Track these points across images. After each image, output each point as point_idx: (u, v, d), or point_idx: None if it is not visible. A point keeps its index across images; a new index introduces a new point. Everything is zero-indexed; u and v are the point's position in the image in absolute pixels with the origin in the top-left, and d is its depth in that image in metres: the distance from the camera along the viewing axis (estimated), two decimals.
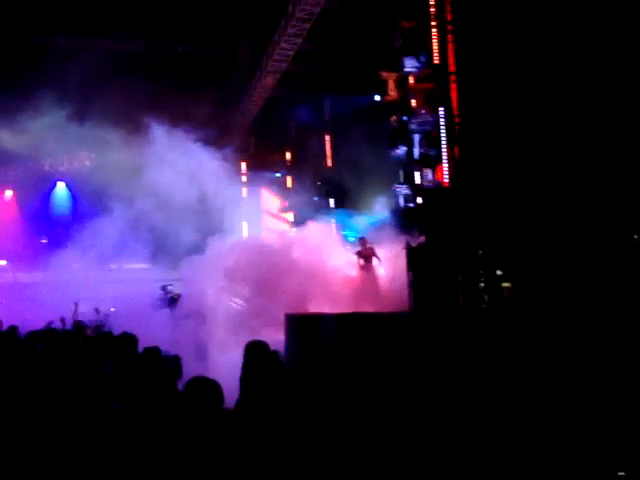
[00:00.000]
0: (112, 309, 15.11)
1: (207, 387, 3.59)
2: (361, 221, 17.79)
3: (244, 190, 20.37)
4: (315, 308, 11.64)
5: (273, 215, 22.03)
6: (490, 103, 12.28)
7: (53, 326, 10.23)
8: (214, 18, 19.82)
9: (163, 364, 3.94)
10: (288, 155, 23.39)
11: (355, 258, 14.30)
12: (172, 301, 15.85)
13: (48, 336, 6.49)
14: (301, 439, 2.59)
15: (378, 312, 11.05)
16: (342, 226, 18.98)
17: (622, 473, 3.06)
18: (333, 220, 19.61)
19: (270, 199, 22.27)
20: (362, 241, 14.49)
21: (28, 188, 21.18)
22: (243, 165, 22.46)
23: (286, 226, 20.55)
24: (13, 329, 8.53)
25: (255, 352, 3.79)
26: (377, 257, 14.08)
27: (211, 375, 3.42)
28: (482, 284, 11.72)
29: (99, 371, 4.77)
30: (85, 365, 4.89)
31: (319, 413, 2.99)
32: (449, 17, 14.04)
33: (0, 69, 17.95)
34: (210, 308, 13.41)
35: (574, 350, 6.12)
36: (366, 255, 14.18)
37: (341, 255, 14.91)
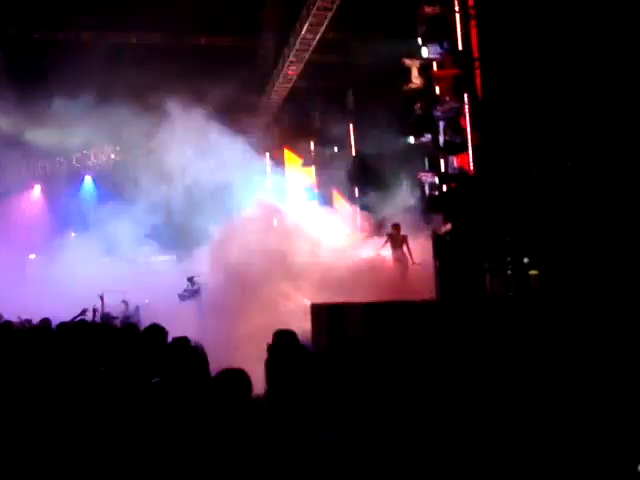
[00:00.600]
0: (146, 301, 15.22)
1: (236, 377, 3.62)
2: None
3: (269, 180, 20.42)
4: (339, 297, 11.60)
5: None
6: (515, 89, 12.13)
7: (83, 317, 10.36)
8: (236, 9, 19.81)
9: (194, 353, 3.96)
10: (312, 145, 23.35)
11: (384, 242, 14.10)
12: (198, 292, 15.98)
13: (79, 328, 6.59)
14: (330, 425, 2.60)
15: (405, 300, 11.01)
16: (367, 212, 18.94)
17: None
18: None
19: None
20: (395, 227, 14.27)
21: (56, 183, 21.47)
22: (267, 155, 22.50)
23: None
24: (46, 322, 8.66)
25: (283, 340, 3.80)
26: (408, 246, 13.92)
27: (240, 365, 3.43)
28: (509, 272, 11.62)
29: (130, 362, 4.82)
30: (115, 357, 4.94)
31: (346, 400, 2.99)
32: (471, 2, 13.88)
33: (27, 65, 18.16)
34: (232, 298, 13.44)
35: (601, 339, 6.05)
36: (397, 241, 14.01)
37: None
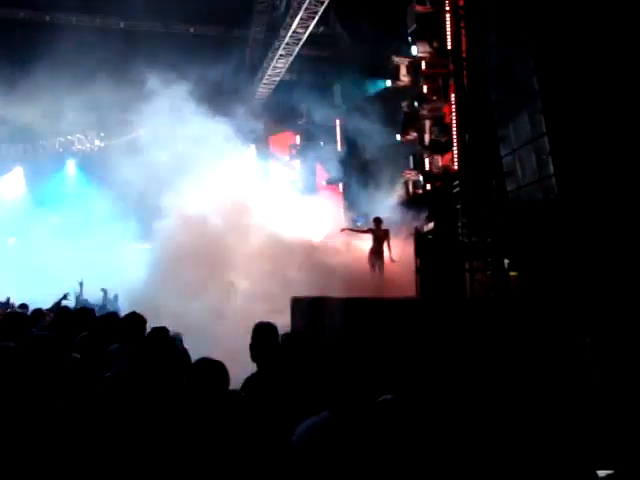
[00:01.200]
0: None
1: (214, 368, 3.62)
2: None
3: (253, 171, 20.35)
4: (316, 292, 11.59)
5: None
6: (501, 89, 12.19)
7: (65, 303, 10.26)
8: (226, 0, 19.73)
9: (172, 344, 3.95)
10: (298, 139, 23.31)
11: (366, 235, 14.01)
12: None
13: (60, 315, 6.55)
14: (304, 419, 2.61)
15: (385, 297, 11.05)
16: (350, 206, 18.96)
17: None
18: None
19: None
20: (377, 221, 14.07)
21: (38, 166, 21.25)
22: (252, 148, 22.42)
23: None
24: (24, 307, 8.58)
25: (263, 333, 3.81)
26: (389, 242, 13.79)
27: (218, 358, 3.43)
28: (489, 272, 11.70)
29: (103, 351, 4.80)
30: (92, 346, 4.91)
31: (321, 394, 3.00)
32: (462, 2, 13.90)
33: (15, 47, 17.95)
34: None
35: (579, 340, 6.12)
36: (378, 236, 13.85)
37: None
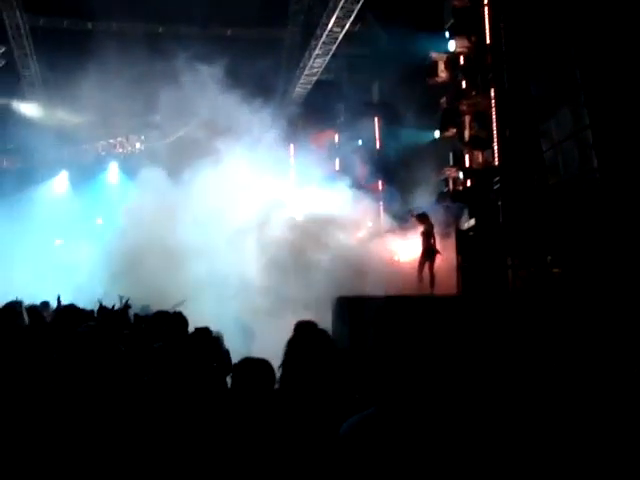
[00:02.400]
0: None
1: (258, 367, 3.66)
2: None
3: (292, 171, 20.42)
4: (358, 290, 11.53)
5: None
6: (542, 83, 12.02)
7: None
8: (262, 1, 19.87)
9: (216, 345, 4.01)
10: (336, 138, 23.29)
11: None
12: None
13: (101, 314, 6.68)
14: (348, 417, 2.64)
15: (427, 295, 11.02)
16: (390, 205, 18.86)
17: None
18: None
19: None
20: (423, 217, 13.63)
21: (82, 169, 21.65)
22: (291, 147, 22.48)
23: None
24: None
25: (305, 331, 3.82)
26: (434, 235, 13.33)
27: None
28: (532, 269, 11.55)
29: (149, 349, 4.88)
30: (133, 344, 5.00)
31: (366, 393, 3.02)
32: None
33: (59, 55, 18.33)
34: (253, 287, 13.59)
35: (622, 337, 6.01)
36: (426, 232, 13.42)
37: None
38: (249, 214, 15.28)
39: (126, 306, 7.06)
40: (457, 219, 13.75)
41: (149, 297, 10.03)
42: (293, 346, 3.81)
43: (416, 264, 13.46)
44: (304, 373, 3.33)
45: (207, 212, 15.23)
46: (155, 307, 7.85)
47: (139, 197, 17.13)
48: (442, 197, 15.57)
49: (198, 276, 14.13)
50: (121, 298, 7.13)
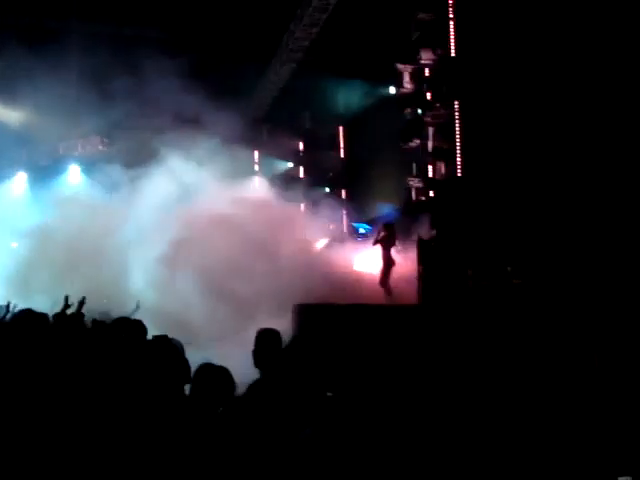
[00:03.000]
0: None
1: (218, 374, 3.60)
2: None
3: (256, 179, 20.33)
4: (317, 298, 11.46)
5: None
6: (505, 97, 12.20)
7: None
8: (230, 7, 19.77)
9: (175, 352, 3.93)
10: (301, 145, 23.31)
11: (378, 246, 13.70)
12: None
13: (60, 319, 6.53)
14: (306, 426, 2.61)
15: (387, 304, 11.05)
16: (352, 217, 19.00)
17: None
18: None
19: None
20: (384, 227, 13.64)
21: (41, 171, 21.17)
22: (255, 154, 22.42)
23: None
24: None
25: (267, 339, 3.80)
26: (394, 244, 13.35)
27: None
28: (492, 280, 11.67)
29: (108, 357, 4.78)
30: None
31: (323, 402, 3.00)
32: (465, 10, 13.93)
33: (18, 51, 17.96)
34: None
35: (580, 349, 6.10)
36: (385, 239, 13.42)
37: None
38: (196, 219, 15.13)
39: (80, 311, 6.87)
40: (418, 229, 13.84)
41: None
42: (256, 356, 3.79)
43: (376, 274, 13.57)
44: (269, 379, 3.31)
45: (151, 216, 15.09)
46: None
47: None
48: (407, 208, 15.67)
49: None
50: (66, 299, 6.85)
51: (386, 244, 13.36)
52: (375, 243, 13.53)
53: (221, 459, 2.83)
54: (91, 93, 17.41)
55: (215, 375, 3.34)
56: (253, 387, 3.47)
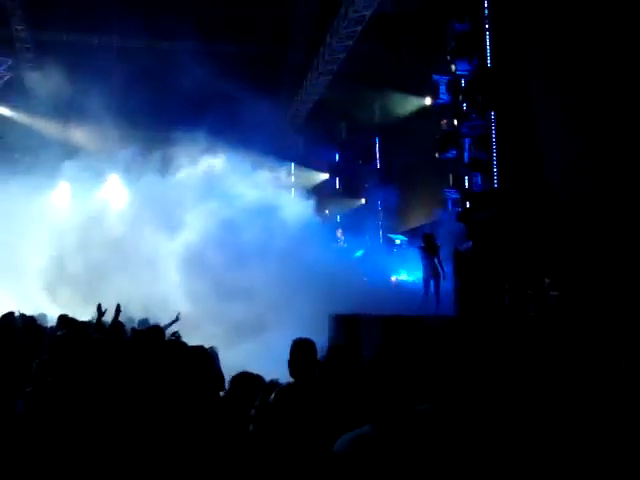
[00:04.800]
0: None
1: (254, 382, 3.66)
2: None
3: (292, 190, 20.46)
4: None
5: None
6: (542, 107, 12.10)
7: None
8: (266, 18, 20.01)
9: (210, 362, 3.99)
10: (337, 156, 23.41)
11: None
12: None
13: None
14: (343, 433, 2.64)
15: (423, 315, 11.01)
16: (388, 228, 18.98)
17: None
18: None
19: None
20: (428, 237, 13.63)
21: (83, 181, 21.55)
22: (292, 165, 22.59)
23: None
24: None
25: (302, 349, 3.84)
26: (438, 255, 13.28)
27: None
28: (529, 292, 11.53)
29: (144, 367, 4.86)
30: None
31: (360, 409, 3.03)
32: (501, 19, 13.85)
33: (59, 66, 18.44)
34: None
35: (619, 362, 5.99)
36: (431, 252, 13.37)
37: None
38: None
39: (117, 319, 6.97)
40: (456, 241, 13.75)
41: None
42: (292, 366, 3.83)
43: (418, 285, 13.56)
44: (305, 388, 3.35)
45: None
46: None
47: None
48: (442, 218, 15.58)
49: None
50: (99, 307, 6.95)
51: (426, 254, 13.32)
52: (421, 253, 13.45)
53: (253, 461, 2.87)
54: (132, 104, 17.76)
55: (250, 383, 3.40)
56: (283, 394, 3.51)
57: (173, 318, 9.54)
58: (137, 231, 15.84)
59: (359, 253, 17.60)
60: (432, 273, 13.16)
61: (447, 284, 12.71)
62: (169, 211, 16.04)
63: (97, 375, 3.57)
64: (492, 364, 6.45)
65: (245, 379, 3.51)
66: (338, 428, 2.72)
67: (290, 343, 3.98)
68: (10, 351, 5.15)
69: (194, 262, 14.71)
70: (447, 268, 12.91)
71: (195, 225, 15.51)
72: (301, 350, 3.91)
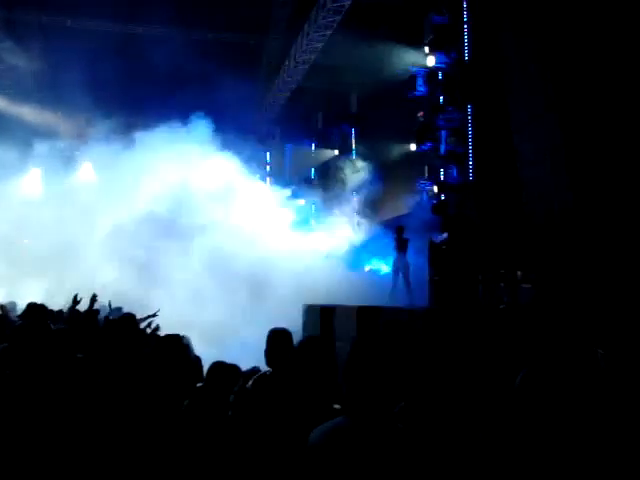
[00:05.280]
0: None
1: (230, 372, 3.65)
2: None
3: (268, 179, 20.41)
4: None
5: None
6: (518, 101, 12.18)
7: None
8: (245, 7, 19.84)
9: (186, 351, 3.96)
10: (313, 146, 23.39)
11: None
12: None
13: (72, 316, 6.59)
14: (318, 424, 2.64)
15: (398, 306, 11.06)
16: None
17: None
18: None
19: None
20: (399, 230, 13.89)
21: (55, 167, 21.24)
22: (267, 155, 22.53)
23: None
24: None
25: (278, 339, 3.83)
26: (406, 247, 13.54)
27: None
28: (502, 284, 11.67)
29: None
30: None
31: (334, 400, 3.03)
32: (479, 13, 13.91)
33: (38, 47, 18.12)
34: None
35: (588, 355, 6.08)
36: (401, 245, 13.62)
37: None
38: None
39: (92, 307, 6.89)
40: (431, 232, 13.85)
41: None
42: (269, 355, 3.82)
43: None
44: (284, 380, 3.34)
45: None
46: None
47: None
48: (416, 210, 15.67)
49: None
50: (75, 296, 6.87)
51: (395, 246, 13.58)
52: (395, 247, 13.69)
53: (232, 452, 2.86)
54: (109, 92, 17.52)
55: (226, 373, 3.38)
56: (260, 381, 3.50)
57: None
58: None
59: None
60: (400, 265, 13.42)
61: (422, 275, 12.82)
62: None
63: (53, 366, 3.51)
64: (465, 355, 6.51)
65: (221, 368, 3.49)
66: (310, 416, 2.72)
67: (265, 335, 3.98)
68: None
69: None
70: (422, 259, 13.05)
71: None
72: (277, 340, 3.91)
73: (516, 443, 2.70)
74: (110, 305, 7.73)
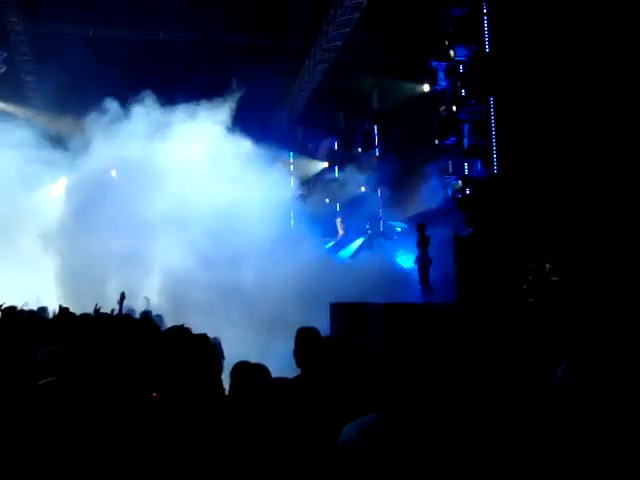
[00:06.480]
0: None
1: (256, 372, 3.64)
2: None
3: (291, 179, 20.42)
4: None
5: None
6: (543, 92, 12.06)
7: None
8: (263, 8, 19.89)
9: (214, 351, 3.98)
10: (336, 145, 23.35)
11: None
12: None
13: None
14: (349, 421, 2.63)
15: (424, 303, 11.02)
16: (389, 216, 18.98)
17: None
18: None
19: None
20: (420, 227, 13.98)
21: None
22: (290, 154, 22.54)
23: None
24: None
25: (306, 338, 3.83)
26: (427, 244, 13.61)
27: None
28: (530, 277, 11.54)
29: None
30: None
31: (365, 397, 3.02)
32: (500, 5, 13.78)
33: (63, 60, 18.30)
34: None
35: (620, 348, 5.98)
36: (423, 242, 13.71)
37: None
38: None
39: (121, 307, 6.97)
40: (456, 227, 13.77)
41: None
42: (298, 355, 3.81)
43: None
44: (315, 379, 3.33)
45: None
46: None
47: None
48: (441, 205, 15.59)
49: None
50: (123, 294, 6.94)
51: (417, 243, 13.62)
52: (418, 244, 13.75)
53: (261, 453, 2.87)
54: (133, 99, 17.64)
55: (252, 373, 3.37)
56: (294, 384, 3.50)
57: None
58: None
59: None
60: (422, 262, 13.47)
61: (448, 271, 12.76)
62: None
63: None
64: (493, 350, 6.45)
65: (246, 369, 3.49)
66: (340, 417, 2.71)
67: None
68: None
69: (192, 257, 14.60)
70: (447, 255, 13.02)
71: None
72: (305, 339, 3.90)
73: (561, 437, 2.68)
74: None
